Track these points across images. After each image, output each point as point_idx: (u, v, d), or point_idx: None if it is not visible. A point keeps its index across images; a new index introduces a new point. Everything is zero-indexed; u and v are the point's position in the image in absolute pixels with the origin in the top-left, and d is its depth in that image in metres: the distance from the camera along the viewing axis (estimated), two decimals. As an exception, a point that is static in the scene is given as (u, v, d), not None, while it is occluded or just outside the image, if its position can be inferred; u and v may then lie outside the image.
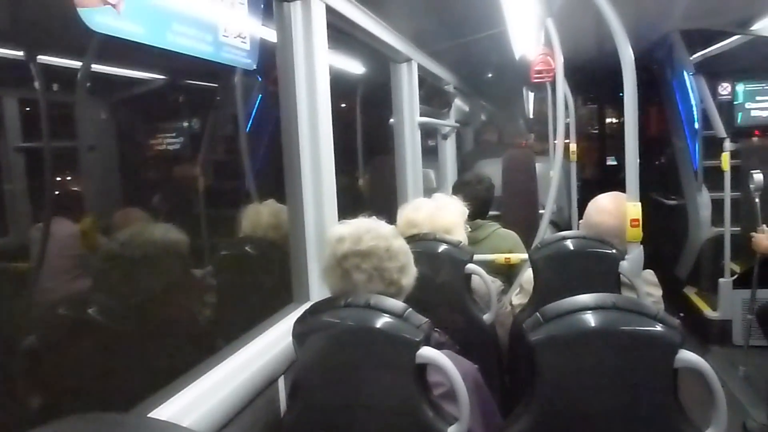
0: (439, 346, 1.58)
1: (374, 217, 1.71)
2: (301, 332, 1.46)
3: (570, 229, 4.17)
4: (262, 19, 1.90)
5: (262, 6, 1.89)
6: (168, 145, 4.88)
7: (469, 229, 2.64)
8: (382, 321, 1.36)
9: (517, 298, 2.54)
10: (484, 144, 7.22)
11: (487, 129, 7.73)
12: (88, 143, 3.37)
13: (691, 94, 4.90)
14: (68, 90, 2.92)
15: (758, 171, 3.94)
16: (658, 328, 1.27)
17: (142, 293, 1.68)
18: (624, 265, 2.03)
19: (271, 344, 1.74)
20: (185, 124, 4.92)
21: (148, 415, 1.25)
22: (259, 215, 2.48)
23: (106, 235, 2.48)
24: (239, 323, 1.91)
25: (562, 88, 2.97)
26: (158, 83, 4.19)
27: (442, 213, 2.36)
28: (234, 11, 1.70)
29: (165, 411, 1.30)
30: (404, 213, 2.40)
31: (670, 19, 4.30)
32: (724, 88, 4.92)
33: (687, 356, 1.25)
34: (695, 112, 4.90)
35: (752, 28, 4.16)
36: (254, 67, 1.83)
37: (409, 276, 1.65)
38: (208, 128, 4.75)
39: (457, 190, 3.23)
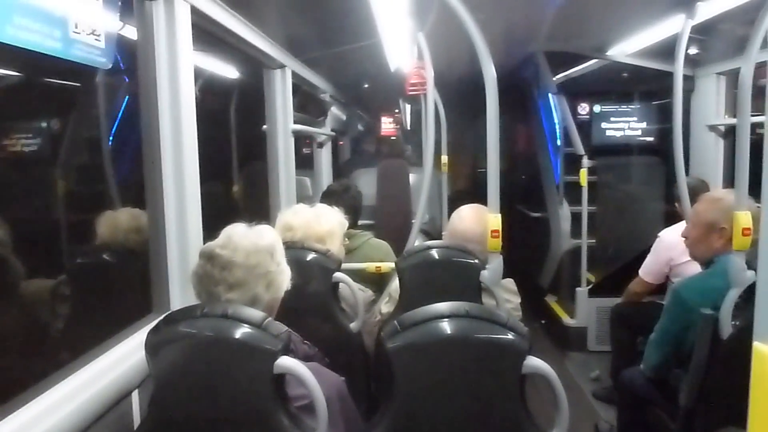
0: (307, 359, 1.57)
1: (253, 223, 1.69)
2: (155, 343, 1.39)
3: (441, 238, 4.29)
4: (123, 17, 1.81)
5: (120, 3, 1.79)
6: (23, 146, 4.53)
7: (346, 240, 2.65)
8: (239, 331, 1.32)
9: (386, 306, 2.57)
10: (362, 153, 7.29)
11: (366, 139, 7.82)
12: None
13: (554, 113, 5.19)
14: None
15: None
16: (509, 336, 1.32)
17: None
18: (485, 274, 2.11)
19: (126, 356, 1.66)
20: (43, 124, 4.60)
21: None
22: (116, 221, 2.36)
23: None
24: (94, 335, 1.80)
25: (433, 101, 3.05)
26: (11, 80, 3.88)
27: (319, 221, 2.36)
28: (87, 6, 1.60)
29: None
30: (282, 217, 2.39)
31: (535, 40, 4.54)
32: (583, 108, 5.25)
33: (534, 362, 1.31)
34: (558, 130, 5.20)
35: (607, 53, 4.48)
36: (110, 66, 1.73)
37: (274, 289, 1.62)
38: (69, 129, 4.47)
39: (324, 199, 3.24)
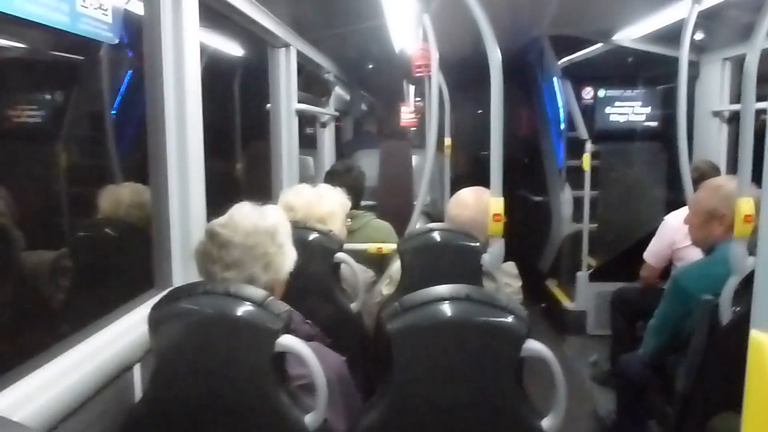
0: (309, 338, 1.58)
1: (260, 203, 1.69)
2: (157, 319, 1.41)
3: (443, 220, 4.29)
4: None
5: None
6: (27, 117, 4.53)
7: (348, 220, 2.66)
8: (241, 309, 1.33)
9: (387, 288, 2.58)
10: (363, 134, 7.27)
11: (368, 119, 7.79)
12: None
13: (558, 97, 5.17)
14: None
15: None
16: (508, 319, 1.33)
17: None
18: (485, 257, 2.12)
19: (127, 330, 1.67)
20: (47, 96, 4.59)
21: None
22: (119, 195, 2.36)
23: None
24: (95, 308, 1.81)
25: (437, 83, 3.04)
26: (15, 51, 3.86)
27: (320, 201, 2.37)
28: (94, -20, 1.59)
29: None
30: (284, 197, 2.40)
31: (540, 24, 4.52)
32: (588, 93, 5.23)
33: (533, 345, 1.32)
34: (561, 114, 5.18)
35: (613, 38, 4.45)
36: (116, 41, 1.72)
37: (273, 270, 1.63)
38: (72, 102, 4.45)
39: (327, 179, 3.24)
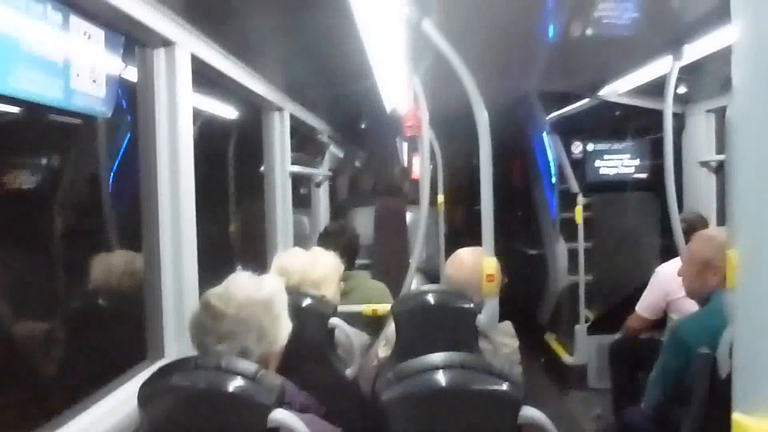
0: (304, 410, 1.56)
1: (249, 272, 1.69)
2: (147, 395, 1.39)
3: (439, 277, 4.28)
4: (123, 63, 1.84)
5: (122, 50, 1.82)
6: (21, 183, 4.53)
7: (341, 283, 2.65)
8: (233, 384, 1.32)
9: (383, 350, 2.55)
10: (358, 192, 7.32)
11: (362, 177, 7.85)
12: None
13: (548, 151, 5.23)
14: None
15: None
16: (503, 386, 1.32)
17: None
18: (481, 318, 2.11)
19: (118, 405, 1.65)
20: (43, 161, 4.62)
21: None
22: (110, 265, 2.36)
23: None
24: (86, 381, 1.79)
25: (428, 142, 3.09)
26: (11, 115, 3.90)
27: (314, 265, 2.36)
28: (89, 55, 1.62)
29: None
30: (278, 261, 2.39)
31: (528, 80, 4.60)
32: (577, 146, 5.30)
33: (530, 413, 1.31)
34: (552, 168, 5.23)
35: (600, 93, 4.54)
36: (109, 114, 1.75)
37: (267, 342, 1.62)
38: (69, 166, 4.48)
39: (321, 240, 3.24)
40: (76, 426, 1.51)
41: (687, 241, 2.98)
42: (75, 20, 1.53)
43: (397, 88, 3.78)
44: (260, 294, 1.61)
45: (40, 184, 4.53)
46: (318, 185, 5.08)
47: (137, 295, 2.16)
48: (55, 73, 1.47)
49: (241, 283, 1.62)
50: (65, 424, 1.50)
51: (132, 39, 1.88)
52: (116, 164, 4.31)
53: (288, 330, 1.67)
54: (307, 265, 2.35)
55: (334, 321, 2.14)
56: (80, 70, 1.58)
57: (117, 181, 4.09)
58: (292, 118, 3.77)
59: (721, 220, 4.36)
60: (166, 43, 1.97)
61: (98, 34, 1.66)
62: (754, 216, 0.62)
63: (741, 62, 0.64)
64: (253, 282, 1.64)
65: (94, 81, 1.66)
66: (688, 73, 3.65)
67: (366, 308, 2.89)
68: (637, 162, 5.20)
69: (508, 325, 2.38)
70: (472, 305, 2.14)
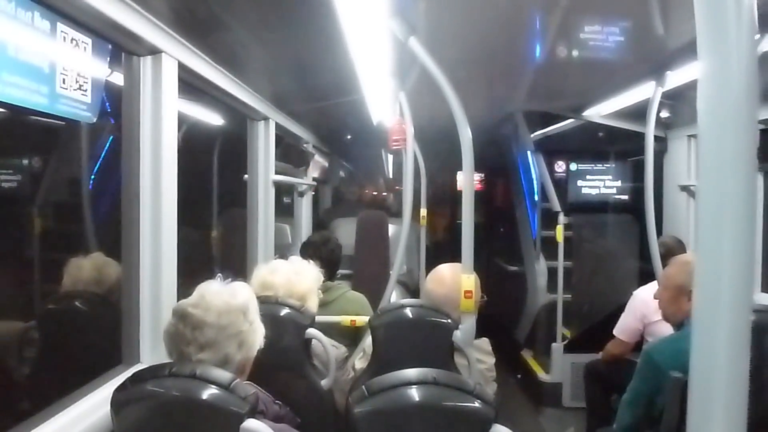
0: (278, 420, 1.56)
1: (228, 279, 1.69)
2: (121, 401, 1.39)
3: (419, 291, 4.29)
4: (109, 70, 1.84)
5: (108, 57, 1.83)
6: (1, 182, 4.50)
7: (321, 293, 2.65)
8: (206, 392, 1.32)
9: (360, 362, 2.56)
10: (342, 202, 7.33)
11: (346, 187, 7.87)
12: None
13: (532, 170, 5.28)
14: None
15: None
16: (475, 404, 1.33)
17: None
18: (457, 334, 2.12)
19: (94, 409, 1.64)
20: (24, 161, 4.58)
21: None
22: (80, 269, 2.35)
23: None
24: (59, 385, 1.78)
25: (412, 157, 3.11)
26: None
27: (299, 278, 2.35)
28: (76, 61, 1.63)
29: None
30: (260, 274, 2.36)
31: (513, 100, 4.65)
32: (560, 166, 5.35)
33: (499, 431, 1.32)
34: (535, 186, 5.28)
35: (584, 114, 4.60)
36: (94, 120, 1.76)
37: (246, 348, 1.62)
38: (50, 167, 4.45)
39: (303, 250, 3.24)
40: (50, 428, 1.50)
41: (664, 265, 3.02)
42: (62, 27, 1.54)
43: (384, 102, 3.81)
44: (236, 301, 1.62)
45: (20, 185, 4.50)
46: (301, 195, 5.08)
47: (108, 299, 2.16)
48: (41, 79, 1.48)
49: (215, 291, 1.62)
50: (37, 427, 1.49)
51: (119, 46, 1.88)
52: (97, 166, 4.29)
53: (262, 334, 1.68)
54: (293, 279, 2.34)
55: (311, 332, 2.14)
56: (66, 76, 1.59)
57: (98, 182, 4.07)
58: (278, 127, 3.78)
59: (699, 245, 4.41)
60: (154, 52, 1.97)
61: (85, 41, 1.66)
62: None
63: (704, 95, 0.67)
64: (227, 290, 1.65)
65: (80, 87, 1.67)
66: (671, 98, 3.71)
67: (345, 319, 2.90)
68: (618, 183, 5.26)
69: (484, 341, 2.40)
70: (449, 321, 2.16)
